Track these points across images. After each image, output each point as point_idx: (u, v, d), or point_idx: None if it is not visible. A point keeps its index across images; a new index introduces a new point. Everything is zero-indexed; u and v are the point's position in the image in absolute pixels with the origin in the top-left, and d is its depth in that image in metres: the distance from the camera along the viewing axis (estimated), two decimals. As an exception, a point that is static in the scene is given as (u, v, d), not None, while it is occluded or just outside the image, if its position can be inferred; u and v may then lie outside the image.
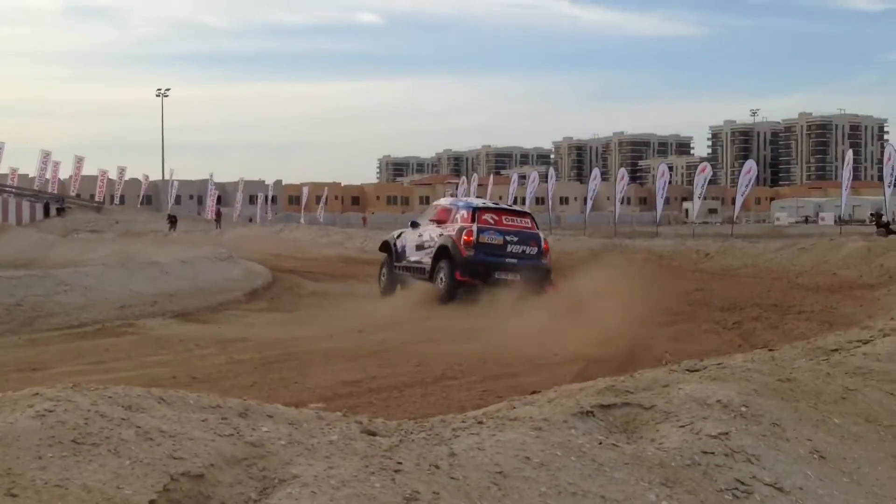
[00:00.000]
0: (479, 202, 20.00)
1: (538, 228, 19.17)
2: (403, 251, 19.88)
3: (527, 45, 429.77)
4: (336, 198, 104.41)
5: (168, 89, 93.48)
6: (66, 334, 14.60)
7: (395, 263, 20.00)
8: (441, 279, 17.83)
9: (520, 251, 17.97)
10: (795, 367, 5.58)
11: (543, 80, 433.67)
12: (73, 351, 12.97)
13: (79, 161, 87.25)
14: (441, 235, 18.26)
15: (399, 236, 20.45)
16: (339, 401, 9.07)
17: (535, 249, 18.26)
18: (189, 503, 2.81)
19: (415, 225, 20.01)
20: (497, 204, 21.10)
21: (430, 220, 19.34)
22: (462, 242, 17.57)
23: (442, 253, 17.96)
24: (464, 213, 18.38)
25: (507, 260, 17.74)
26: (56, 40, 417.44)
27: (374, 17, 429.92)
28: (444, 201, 21.02)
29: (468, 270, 17.43)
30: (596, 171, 58.50)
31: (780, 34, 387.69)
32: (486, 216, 18.19)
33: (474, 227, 17.76)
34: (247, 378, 10.63)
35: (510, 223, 18.28)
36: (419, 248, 19.10)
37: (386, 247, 21.01)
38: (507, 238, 17.90)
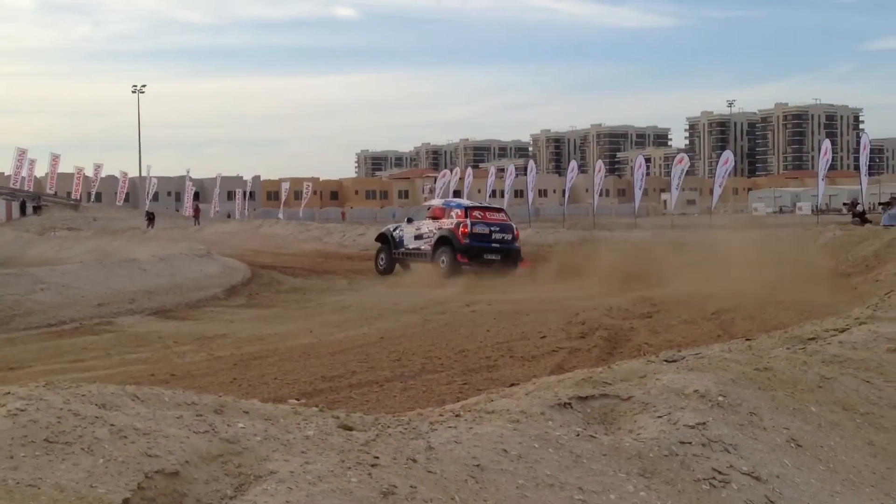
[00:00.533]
0: (467, 203, 27.45)
1: (510, 220, 26.21)
2: (401, 240, 25.77)
3: (504, 38, 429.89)
4: (315, 193, 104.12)
5: (144, 85, 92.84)
6: (43, 333, 14.52)
7: (394, 250, 25.80)
8: (443, 261, 23.90)
9: (500, 238, 24.69)
10: (772, 356, 5.60)
11: (521, 73, 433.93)
12: (51, 349, 12.89)
13: (55, 158, 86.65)
14: (440, 228, 24.53)
15: (395, 229, 26.38)
16: (318, 396, 9.05)
17: (511, 236, 25.14)
18: (164, 501, 2.78)
19: (410, 220, 26.40)
20: (481, 203, 28.98)
21: (427, 217, 25.67)
22: (460, 233, 24.04)
23: (443, 241, 24.18)
24: (458, 211, 24.91)
25: (492, 245, 24.43)
26: (30, 37, 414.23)
27: (352, 12, 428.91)
28: (438, 202, 27.84)
29: (466, 253, 23.85)
30: (574, 164, 58.55)
31: (756, 25, 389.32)
32: (475, 213, 24.87)
33: (468, 221, 24.24)
34: (226, 375, 10.59)
35: (492, 217, 25.13)
36: (417, 238, 25.22)
37: (383, 237, 26.81)
38: (492, 229, 24.56)
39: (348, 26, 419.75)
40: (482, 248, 24.09)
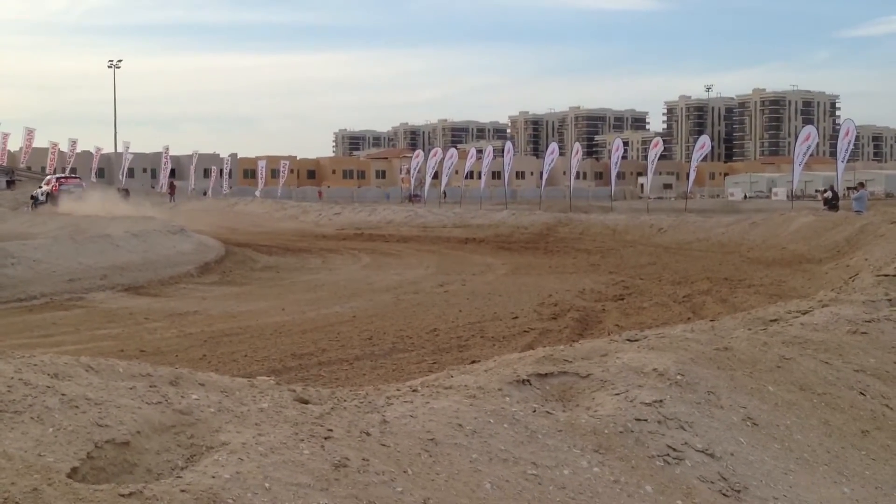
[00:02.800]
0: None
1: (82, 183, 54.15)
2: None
3: (483, 19, 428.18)
4: (292, 171, 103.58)
5: (120, 60, 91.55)
6: (12, 308, 14.42)
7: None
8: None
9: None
10: (734, 336, 5.64)
11: (499, 55, 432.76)
12: (20, 324, 12.81)
13: (29, 133, 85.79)
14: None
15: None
16: (288, 373, 9.05)
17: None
18: (113, 470, 2.78)
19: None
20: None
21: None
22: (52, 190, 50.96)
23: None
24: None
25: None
26: (7, 9, 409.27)
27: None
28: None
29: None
30: (553, 146, 58.42)
31: (735, 10, 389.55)
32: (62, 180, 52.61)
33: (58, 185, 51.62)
34: (196, 351, 10.58)
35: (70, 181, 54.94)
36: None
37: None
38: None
39: (327, 4, 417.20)
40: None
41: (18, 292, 15.47)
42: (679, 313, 13.44)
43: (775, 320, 6.36)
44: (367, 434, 3.27)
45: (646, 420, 3.97)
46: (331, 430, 3.22)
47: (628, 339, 5.38)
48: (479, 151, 61.86)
